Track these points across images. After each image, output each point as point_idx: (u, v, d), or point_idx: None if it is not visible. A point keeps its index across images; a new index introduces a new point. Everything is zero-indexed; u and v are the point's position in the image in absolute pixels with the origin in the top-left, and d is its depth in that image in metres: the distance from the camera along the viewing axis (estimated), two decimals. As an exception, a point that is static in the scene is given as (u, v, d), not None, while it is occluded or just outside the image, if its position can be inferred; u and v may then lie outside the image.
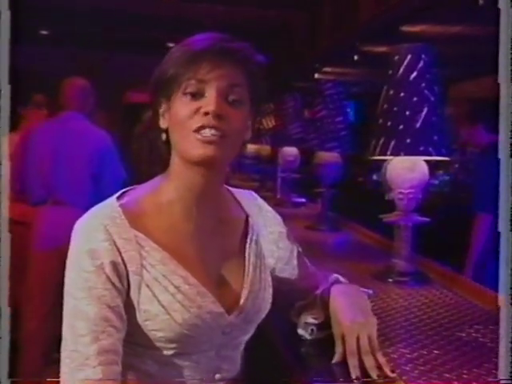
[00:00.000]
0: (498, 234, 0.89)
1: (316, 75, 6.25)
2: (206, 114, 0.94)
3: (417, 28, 4.24)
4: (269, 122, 4.82)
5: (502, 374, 0.89)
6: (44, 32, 7.73)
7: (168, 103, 0.99)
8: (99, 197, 3.49)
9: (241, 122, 0.97)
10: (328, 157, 2.84)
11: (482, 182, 2.81)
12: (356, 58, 5.08)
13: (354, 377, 1.02)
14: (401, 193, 1.79)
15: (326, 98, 2.81)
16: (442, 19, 4.10)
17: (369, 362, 1.04)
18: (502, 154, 0.90)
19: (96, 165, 2.93)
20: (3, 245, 0.97)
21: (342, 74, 6.07)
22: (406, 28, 4.28)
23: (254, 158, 5.25)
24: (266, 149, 4.96)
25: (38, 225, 2.87)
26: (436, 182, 5.55)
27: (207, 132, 0.94)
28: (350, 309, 1.10)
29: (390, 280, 1.81)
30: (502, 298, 0.88)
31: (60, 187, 2.90)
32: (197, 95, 0.95)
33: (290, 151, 3.79)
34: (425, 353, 1.18)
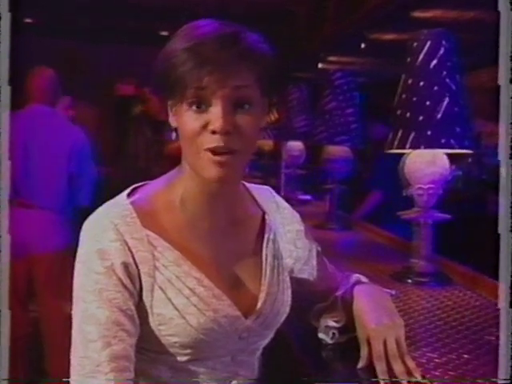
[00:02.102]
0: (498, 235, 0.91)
1: (320, 65, 6.24)
2: (214, 132, 0.92)
3: (429, 13, 4.23)
4: (271, 115, 4.81)
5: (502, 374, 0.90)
6: (28, 20, 7.70)
7: (175, 105, 0.97)
8: (73, 198, 3.44)
9: (253, 127, 0.96)
10: (338, 151, 2.84)
11: (378, 169, 3.67)
12: (363, 46, 5.07)
13: (382, 383, 1.02)
14: (420, 188, 1.79)
15: (335, 89, 2.81)
16: (456, 4, 4.09)
17: (398, 367, 1.04)
18: (502, 153, 0.91)
19: (75, 163, 2.84)
20: (3, 245, 0.97)
21: (347, 63, 6.05)
22: (416, 14, 4.27)
23: (255, 154, 5.24)
24: (268, 144, 4.95)
25: None
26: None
27: (218, 151, 0.92)
28: (376, 310, 1.10)
29: (409, 281, 1.82)
30: (502, 297, 0.89)
31: (29, 187, 2.77)
32: (202, 105, 0.93)
33: (295, 146, 3.80)
34: (454, 357, 1.19)
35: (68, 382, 0.93)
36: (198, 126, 0.93)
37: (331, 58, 6.03)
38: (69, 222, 2.86)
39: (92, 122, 3.72)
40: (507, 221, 0.92)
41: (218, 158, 0.93)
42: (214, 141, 0.92)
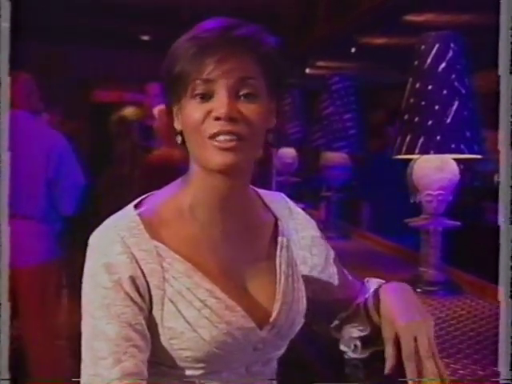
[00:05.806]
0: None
1: (307, 70, 6.26)
2: (218, 118, 0.93)
3: (421, 17, 4.27)
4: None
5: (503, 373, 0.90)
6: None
7: (179, 104, 0.98)
8: (56, 206, 3.39)
9: (259, 116, 0.96)
10: (336, 158, 2.84)
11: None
12: (353, 50, 5.11)
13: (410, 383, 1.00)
14: (429, 194, 1.79)
15: (332, 94, 2.82)
16: (449, 8, 4.14)
17: (430, 366, 0.99)
18: (503, 153, 0.92)
19: (52, 169, 2.78)
20: (3, 246, 0.96)
21: (337, 68, 6.08)
22: (409, 18, 4.31)
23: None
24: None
25: None
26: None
27: (222, 139, 0.93)
28: (406, 307, 1.06)
29: (418, 290, 1.81)
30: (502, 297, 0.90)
31: (9, 197, 2.76)
32: (206, 96, 0.94)
33: (288, 152, 3.79)
34: (479, 369, 1.18)
35: None
36: (201, 114, 0.94)
37: (320, 63, 6.06)
38: (53, 232, 2.81)
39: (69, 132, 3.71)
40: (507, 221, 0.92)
41: (223, 143, 0.93)
42: (218, 126, 0.93)
